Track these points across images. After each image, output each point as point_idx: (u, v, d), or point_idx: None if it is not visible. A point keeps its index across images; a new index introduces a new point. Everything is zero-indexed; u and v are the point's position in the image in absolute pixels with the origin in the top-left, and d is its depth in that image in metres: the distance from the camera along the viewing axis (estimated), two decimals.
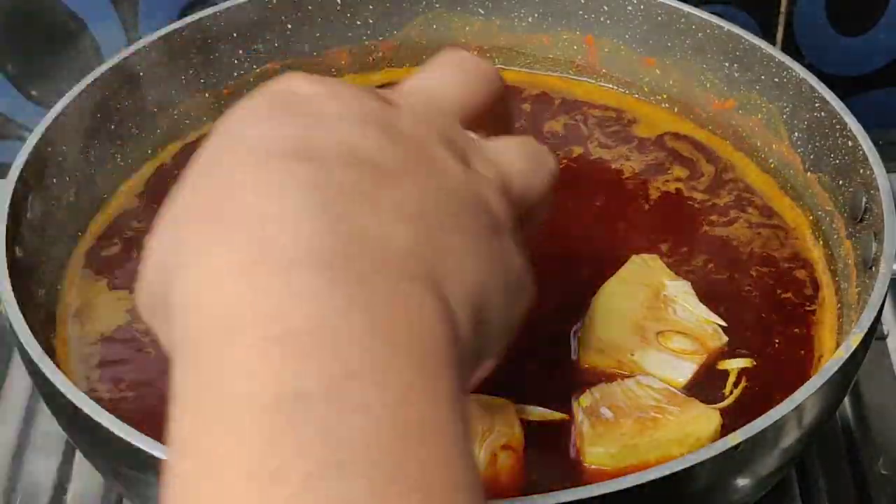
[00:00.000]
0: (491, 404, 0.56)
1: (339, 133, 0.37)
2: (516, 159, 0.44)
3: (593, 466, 0.55)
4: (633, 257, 0.64)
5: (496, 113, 0.46)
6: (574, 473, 0.55)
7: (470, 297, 0.37)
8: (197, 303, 0.33)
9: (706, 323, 0.61)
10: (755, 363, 0.60)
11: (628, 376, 0.59)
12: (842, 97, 0.67)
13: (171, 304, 0.35)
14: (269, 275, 0.32)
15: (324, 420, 0.29)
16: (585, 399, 0.57)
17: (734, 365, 0.60)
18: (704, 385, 0.59)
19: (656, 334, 0.60)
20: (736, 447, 0.50)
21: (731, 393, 0.59)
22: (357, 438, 0.30)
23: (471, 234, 0.38)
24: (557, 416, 0.57)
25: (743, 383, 0.59)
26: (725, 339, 0.61)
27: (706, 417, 0.56)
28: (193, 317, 0.33)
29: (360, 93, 0.40)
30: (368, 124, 0.38)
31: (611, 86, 0.77)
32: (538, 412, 0.58)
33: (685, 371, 0.59)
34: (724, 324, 0.61)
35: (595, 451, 0.55)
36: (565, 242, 0.67)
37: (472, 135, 0.42)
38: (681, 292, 0.62)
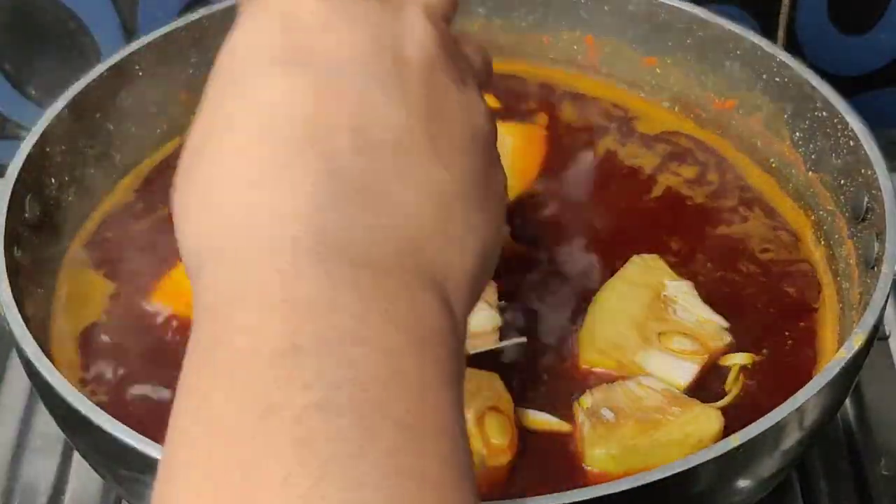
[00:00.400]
0: (476, 374, 0.57)
1: (350, 98, 0.38)
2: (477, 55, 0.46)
3: (594, 469, 0.55)
4: (634, 257, 0.64)
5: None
6: (574, 475, 0.55)
7: (469, 281, 0.39)
8: (204, 281, 0.36)
9: (707, 323, 0.61)
10: (756, 359, 0.60)
11: (629, 377, 0.58)
12: (843, 96, 0.66)
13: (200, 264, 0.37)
14: (277, 256, 0.35)
15: (314, 370, 0.32)
16: (586, 400, 0.57)
17: (735, 361, 0.60)
18: (705, 385, 0.59)
19: (657, 335, 0.60)
20: (737, 448, 0.50)
21: (731, 390, 0.59)
22: (342, 384, 0.32)
23: (475, 190, 0.40)
24: (558, 424, 0.57)
25: (741, 379, 0.59)
26: (727, 339, 0.61)
27: (707, 418, 0.56)
28: (202, 293, 0.36)
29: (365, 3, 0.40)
30: (375, 75, 0.39)
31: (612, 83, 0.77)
32: (540, 419, 0.57)
33: (686, 372, 0.59)
34: (725, 324, 0.61)
35: (596, 452, 0.55)
36: (565, 242, 0.66)
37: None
38: (681, 292, 0.62)
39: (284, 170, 0.36)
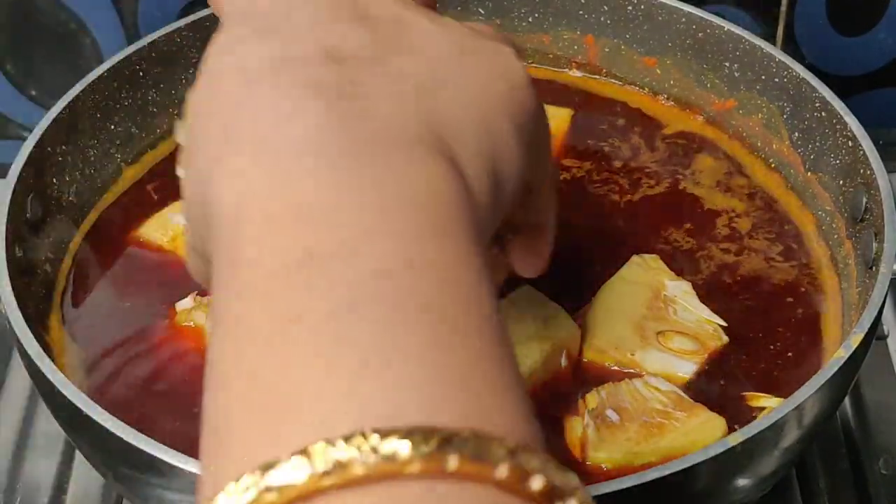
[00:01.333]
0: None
1: (314, 38, 0.40)
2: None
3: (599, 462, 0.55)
4: (634, 257, 0.64)
5: None
6: (573, 467, 0.55)
7: (480, 152, 0.39)
8: (219, 203, 0.36)
9: (707, 323, 0.61)
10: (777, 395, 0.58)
11: (636, 375, 0.59)
12: (842, 97, 0.67)
13: (209, 225, 0.38)
14: (277, 162, 0.36)
15: (337, 270, 0.33)
16: (592, 399, 0.57)
17: (765, 404, 0.59)
18: (704, 385, 0.59)
19: (656, 334, 0.60)
20: (736, 447, 0.50)
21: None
22: (369, 279, 0.33)
23: (469, 84, 0.41)
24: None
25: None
26: (726, 339, 0.61)
27: (712, 425, 0.56)
28: (216, 218, 0.36)
29: None
30: (339, 20, 0.41)
31: (616, 83, 0.77)
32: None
33: (685, 371, 0.59)
34: (724, 324, 0.61)
35: (598, 456, 0.55)
36: (565, 240, 0.66)
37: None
38: (681, 292, 0.62)
39: (272, 87, 0.38)
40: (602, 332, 0.60)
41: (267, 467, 0.29)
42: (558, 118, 0.74)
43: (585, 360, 0.60)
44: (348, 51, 0.39)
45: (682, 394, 0.58)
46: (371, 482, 0.29)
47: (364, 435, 0.29)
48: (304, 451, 0.29)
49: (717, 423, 0.56)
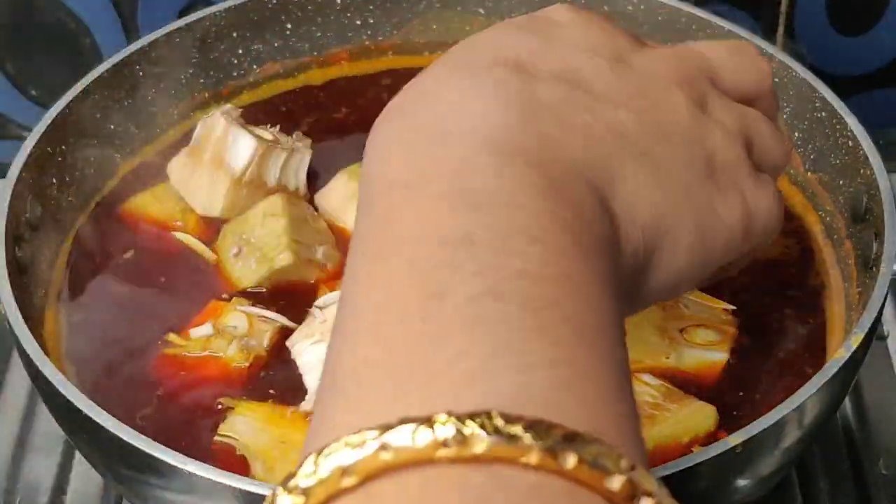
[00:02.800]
0: None
1: (565, 56, 0.41)
2: (765, 123, 0.47)
3: None
4: None
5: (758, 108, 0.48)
6: None
7: (639, 219, 0.40)
8: (383, 170, 0.38)
9: (719, 311, 0.61)
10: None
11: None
12: (842, 97, 0.66)
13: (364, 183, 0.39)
14: (452, 145, 0.37)
15: (485, 259, 0.34)
16: None
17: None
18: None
19: (680, 332, 0.60)
20: (737, 447, 0.50)
21: None
22: (514, 276, 0.33)
23: (674, 169, 0.41)
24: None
25: None
26: (736, 322, 0.61)
27: (703, 414, 0.57)
28: (379, 180, 0.37)
29: (612, 29, 0.44)
30: (600, 55, 0.42)
31: None
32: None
33: (719, 360, 0.60)
34: (731, 307, 0.62)
35: None
36: None
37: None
38: None
39: (486, 82, 0.39)
40: (631, 343, 0.60)
41: (387, 427, 0.30)
42: None
43: None
44: (584, 81, 0.41)
45: (672, 386, 0.58)
46: (486, 462, 0.29)
47: (490, 415, 0.29)
48: (427, 420, 0.30)
49: (708, 411, 0.57)
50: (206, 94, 0.74)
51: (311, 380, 0.57)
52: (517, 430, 0.29)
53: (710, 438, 0.56)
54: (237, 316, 0.61)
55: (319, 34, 0.77)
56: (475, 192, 0.35)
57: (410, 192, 0.36)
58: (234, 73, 0.75)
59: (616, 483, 0.29)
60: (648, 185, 0.40)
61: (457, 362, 0.31)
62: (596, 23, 0.44)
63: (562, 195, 0.37)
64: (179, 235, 0.66)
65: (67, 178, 0.67)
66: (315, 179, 0.68)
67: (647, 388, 0.57)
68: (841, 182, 0.65)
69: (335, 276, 0.63)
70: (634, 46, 0.44)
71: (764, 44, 0.71)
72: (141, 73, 0.71)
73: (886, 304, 0.58)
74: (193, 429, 0.57)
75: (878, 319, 0.56)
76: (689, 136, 0.42)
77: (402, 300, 0.33)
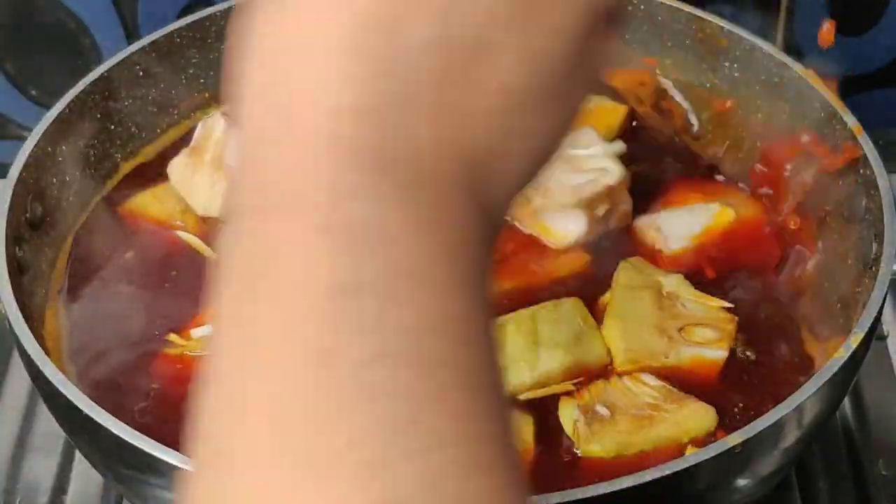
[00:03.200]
0: None
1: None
2: None
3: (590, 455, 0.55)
4: (622, 263, 0.64)
5: None
6: (572, 470, 0.55)
7: (514, 188, 0.35)
8: (256, 179, 0.33)
9: (716, 309, 0.61)
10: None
11: (623, 373, 0.59)
12: (842, 97, 0.66)
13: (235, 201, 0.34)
14: (322, 169, 0.32)
15: (375, 312, 0.30)
16: (581, 397, 0.57)
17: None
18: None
19: (678, 331, 0.60)
20: (736, 447, 0.50)
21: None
22: (406, 331, 0.30)
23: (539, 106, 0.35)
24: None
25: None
26: (735, 319, 0.61)
27: (702, 415, 0.57)
28: (249, 190, 0.33)
29: None
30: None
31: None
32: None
33: (719, 358, 0.60)
34: (730, 305, 0.62)
35: (592, 448, 0.55)
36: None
37: None
38: (678, 286, 0.63)
39: (346, 54, 0.32)
40: (632, 343, 0.60)
41: None
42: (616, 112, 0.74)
43: (620, 370, 0.60)
44: (459, 26, 0.33)
45: (671, 387, 0.58)
46: None
47: None
48: None
49: (707, 411, 0.57)
50: (206, 94, 0.74)
51: None
52: None
53: (710, 439, 0.56)
54: None
55: None
56: (354, 225, 0.31)
57: (286, 224, 0.31)
58: None
59: None
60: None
61: (354, 449, 0.29)
62: None
63: (446, 215, 0.32)
64: (181, 234, 0.66)
65: (67, 178, 0.67)
66: None
67: (646, 389, 0.57)
68: (841, 182, 0.65)
69: None
70: None
71: (764, 44, 0.71)
72: (141, 73, 0.71)
73: (886, 304, 0.58)
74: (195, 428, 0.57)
75: (877, 319, 0.56)
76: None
77: (289, 368, 0.30)
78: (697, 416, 0.56)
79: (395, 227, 0.31)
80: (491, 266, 0.34)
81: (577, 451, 0.56)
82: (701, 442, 0.56)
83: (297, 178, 0.32)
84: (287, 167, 0.32)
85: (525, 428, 0.56)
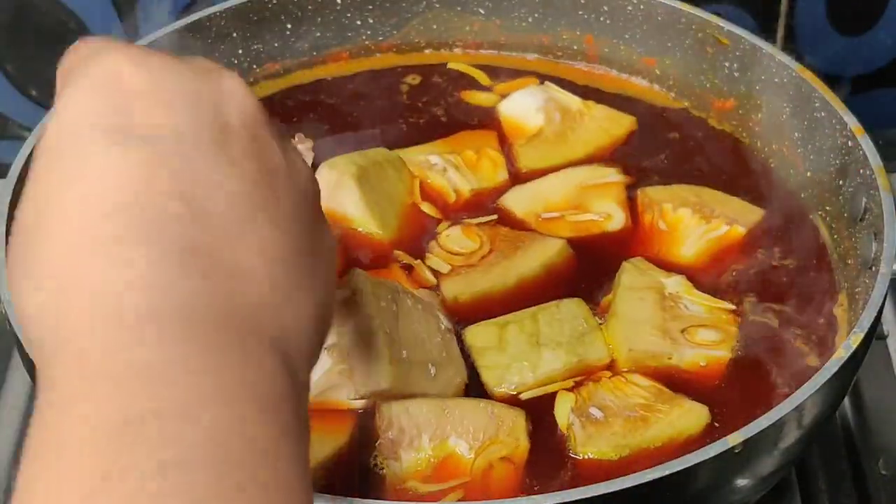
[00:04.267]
0: (503, 414, 0.56)
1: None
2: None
3: (589, 457, 0.55)
4: (624, 263, 0.64)
5: None
6: (571, 471, 0.55)
7: (308, 342, 0.39)
8: (53, 353, 0.36)
9: (719, 311, 0.61)
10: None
11: (615, 374, 0.59)
12: (842, 97, 0.67)
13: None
14: (115, 325, 0.35)
15: (157, 437, 0.33)
16: (574, 399, 0.57)
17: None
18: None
19: (681, 332, 0.60)
20: (736, 447, 0.50)
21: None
22: (199, 445, 0.33)
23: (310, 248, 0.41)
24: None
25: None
26: (738, 321, 0.61)
27: (696, 414, 0.57)
28: (48, 365, 0.36)
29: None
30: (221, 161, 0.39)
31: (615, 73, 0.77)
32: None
33: (722, 359, 0.60)
34: (732, 306, 0.62)
35: (587, 450, 0.55)
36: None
37: None
38: (681, 287, 0.63)
39: (116, 243, 0.36)
40: (634, 344, 0.60)
41: None
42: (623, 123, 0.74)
43: (624, 370, 0.60)
44: (209, 202, 0.38)
45: (663, 387, 0.58)
46: None
47: None
48: None
49: (700, 411, 0.57)
50: None
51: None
52: None
53: (705, 437, 0.56)
54: None
55: (319, 34, 0.77)
56: (147, 367, 0.34)
57: (86, 371, 0.35)
58: None
59: None
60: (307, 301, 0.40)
61: None
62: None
63: (238, 355, 0.36)
64: None
65: None
66: None
67: (637, 390, 0.57)
68: (840, 182, 0.65)
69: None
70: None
71: (764, 44, 0.71)
72: None
73: (886, 303, 0.58)
74: None
75: (877, 319, 0.56)
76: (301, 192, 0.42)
77: (79, 487, 0.32)
78: (691, 415, 0.57)
79: (188, 364, 0.35)
80: (303, 403, 0.38)
81: (575, 455, 0.56)
82: (697, 440, 0.56)
83: (89, 342, 0.35)
84: (80, 339, 0.35)
85: (522, 427, 0.56)
